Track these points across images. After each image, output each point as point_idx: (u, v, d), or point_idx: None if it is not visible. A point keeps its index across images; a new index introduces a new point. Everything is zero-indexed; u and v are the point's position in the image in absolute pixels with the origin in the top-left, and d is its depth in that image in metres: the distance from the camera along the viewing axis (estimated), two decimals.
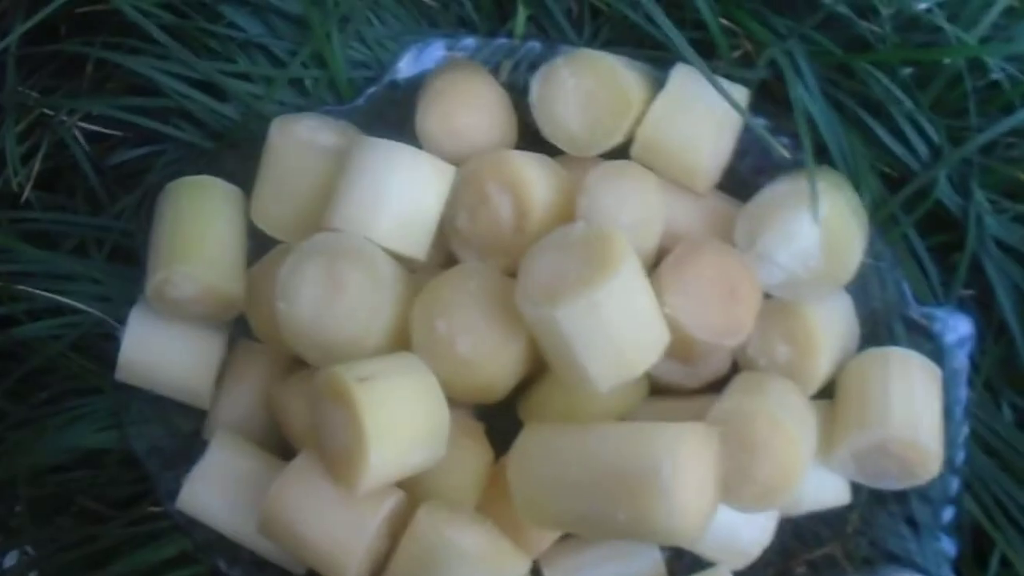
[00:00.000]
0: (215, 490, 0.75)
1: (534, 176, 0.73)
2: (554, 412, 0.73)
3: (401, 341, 0.71)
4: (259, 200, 0.79)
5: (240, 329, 0.78)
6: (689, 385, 0.75)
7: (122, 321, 0.79)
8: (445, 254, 0.77)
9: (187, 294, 0.76)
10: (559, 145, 0.77)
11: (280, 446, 0.76)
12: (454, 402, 0.69)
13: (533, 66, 0.78)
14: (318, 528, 0.68)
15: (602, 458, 0.65)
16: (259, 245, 0.76)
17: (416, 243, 0.73)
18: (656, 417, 0.73)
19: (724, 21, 0.80)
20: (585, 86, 0.76)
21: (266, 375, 0.80)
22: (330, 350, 0.70)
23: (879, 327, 0.77)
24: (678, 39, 0.74)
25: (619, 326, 0.66)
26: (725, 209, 0.77)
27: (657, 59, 0.80)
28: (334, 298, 0.70)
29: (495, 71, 0.79)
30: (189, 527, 0.77)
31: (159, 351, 0.79)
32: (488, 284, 0.70)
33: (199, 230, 0.77)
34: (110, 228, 0.84)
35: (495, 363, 0.69)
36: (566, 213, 0.74)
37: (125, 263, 0.83)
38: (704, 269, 0.72)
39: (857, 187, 0.76)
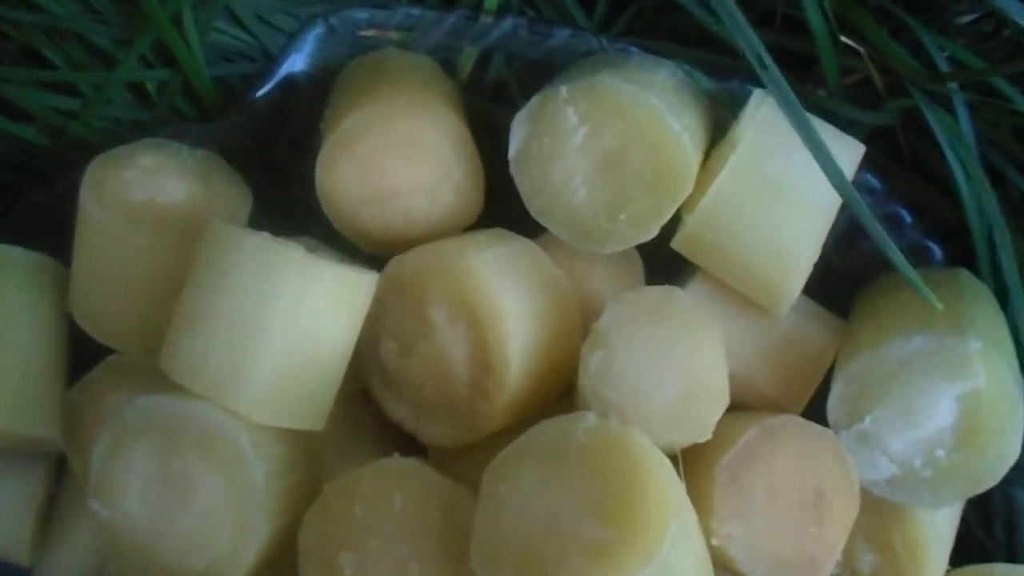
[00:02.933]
0: None
1: (511, 306, 0.41)
2: None
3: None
4: (78, 285, 0.47)
5: None
6: None
7: None
8: (360, 392, 0.46)
9: None
10: (557, 232, 0.44)
11: None
12: None
13: (512, 61, 0.50)
14: None
15: None
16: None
17: (309, 410, 0.42)
18: None
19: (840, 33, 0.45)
20: (605, 140, 0.42)
21: None
22: None
23: None
24: (755, 47, 0.40)
25: None
26: (809, 337, 0.46)
27: (705, 63, 0.46)
28: (176, 507, 0.40)
29: (449, 68, 0.48)
30: None
31: None
32: (424, 500, 0.40)
33: None
34: None
35: None
36: (559, 363, 0.43)
37: None
38: (779, 469, 0.42)
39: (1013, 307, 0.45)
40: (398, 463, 0.41)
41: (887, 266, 0.47)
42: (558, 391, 0.44)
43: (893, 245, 0.42)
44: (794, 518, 0.42)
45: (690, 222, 0.43)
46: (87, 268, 0.46)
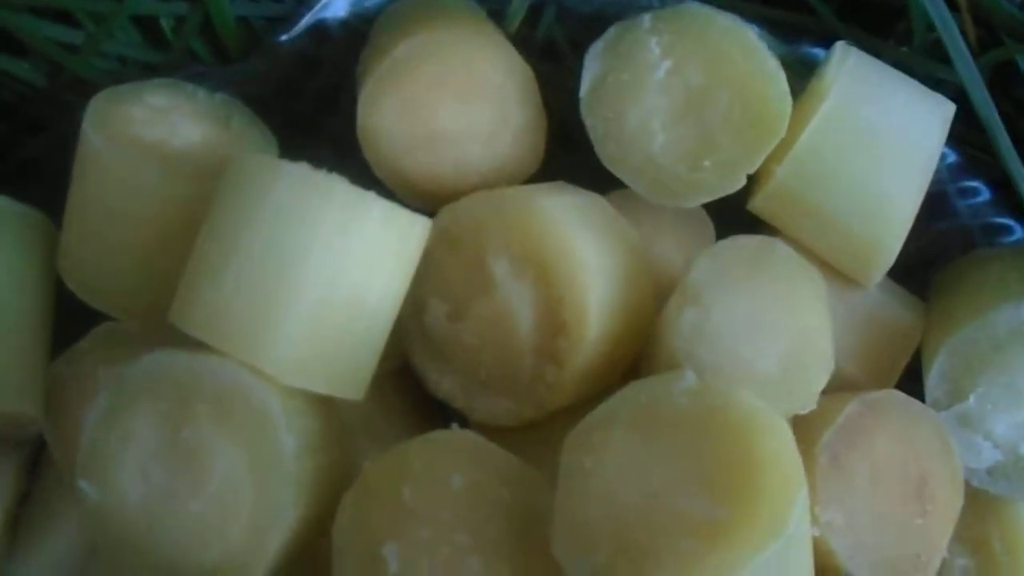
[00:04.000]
0: None
1: (588, 257, 0.35)
2: None
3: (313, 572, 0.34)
4: (70, 241, 0.40)
5: None
6: None
7: None
8: (400, 364, 0.39)
9: None
10: (630, 183, 0.38)
11: None
12: None
13: (564, 16, 0.44)
14: None
15: None
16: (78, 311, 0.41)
17: (348, 375, 0.35)
18: None
19: None
20: (690, 77, 0.37)
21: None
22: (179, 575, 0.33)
23: None
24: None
25: None
26: (895, 314, 0.41)
27: (771, 22, 0.41)
28: (185, 485, 0.33)
29: (499, 16, 0.43)
30: None
31: None
32: (488, 481, 0.33)
33: None
34: None
35: None
36: (634, 329, 0.37)
37: None
38: (881, 450, 0.36)
39: None
40: (454, 435, 0.33)
41: (963, 247, 0.43)
42: (626, 366, 0.38)
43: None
44: (897, 508, 0.36)
45: (779, 174, 0.37)
46: (84, 216, 0.39)
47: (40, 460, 0.45)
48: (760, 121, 0.36)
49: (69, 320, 0.42)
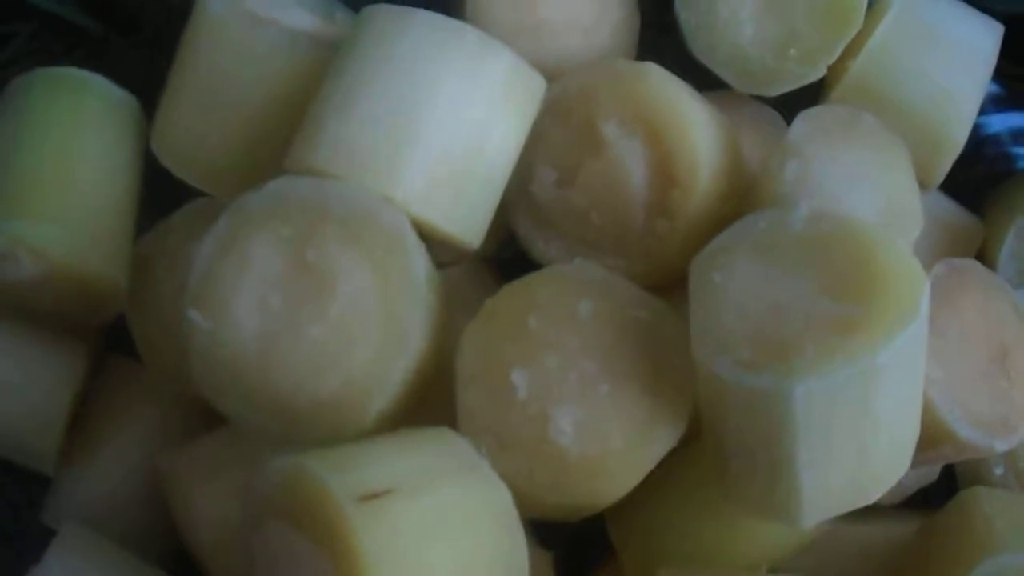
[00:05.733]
0: None
1: (696, 115, 0.36)
2: (682, 546, 0.35)
3: (435, 400, 0.32)
4: (169, 118, 0.39)
5: (116, 343, 0.43)
6: (882, 500, 0.39)
7: None
8: (501, 243, 0.39)
9: (23, 275, 0.37)
10: (718, 71, 0.39)
11: (169, 548, 0.41)
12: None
13: None
14: None
15: None
16: (163, 196, 0.40)
17: (468, 217, 0.34)
18: (835, 550, 0.38)
19: None
20: None
21: (154, 428, 0.41)
22: (291, 411, 0.31)
23: None
24: None
25: (878, 420, 0.29)
26: (956, 221, 0.42)
27: None
28: (306, 310, 0.31)
29: None
30: None
31: None
32: (616, 307, 0.32)
33: (55, 163, 0.38)
34: None
35: (622, 460, 0.31)
36: (734, 189, 0.37)
37: None
38: (967, 311, 0.36)
39: None
40: (580, 266, 0.33)
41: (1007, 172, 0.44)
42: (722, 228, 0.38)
43: None
44: (985, 369, 0.36)
45: (855, 68, 0.39)
46: (191, 84, 0.38)
47: (105, 365, 0.43)
48: (840, 13, 0.38)
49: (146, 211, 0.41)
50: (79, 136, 0.38)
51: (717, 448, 0.32)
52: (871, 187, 0.35)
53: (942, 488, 0.42)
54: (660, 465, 0.34)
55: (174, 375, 0.39)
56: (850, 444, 0.30)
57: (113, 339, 0.43)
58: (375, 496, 0.27)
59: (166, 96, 0.39)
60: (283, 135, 0.36)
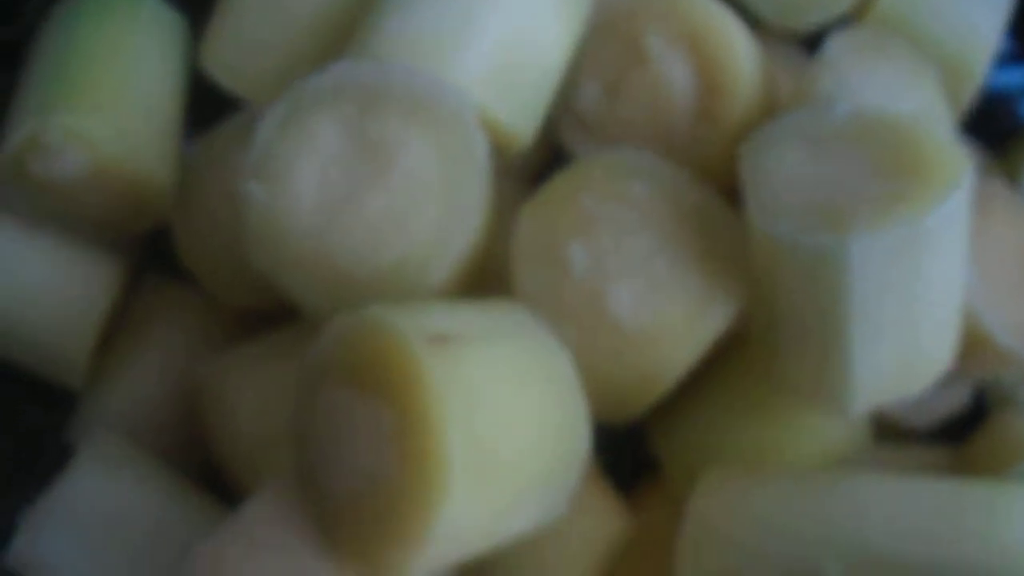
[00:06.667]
0: (81, 538, 0.34)
1: (736, 27, 0.36)
2: (727, 451, 0.35)
3: (493, 277, 0.32)
4: (221, 29, 0.39)
5: (150, 260, 0.42)
6: (914, 424, 0.39)
7: None
8: (546, 151, 0.39)
9: (72, 172, 0.36)
10: (752, 4, 0.40)
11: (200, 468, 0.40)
12: None
13: None
14: None
15: (906, 532, 0.28)
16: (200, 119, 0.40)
17: (520, 111, 0.34)
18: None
19: None
20: None
21: (190, 343, 0.40)
22: (351, 283, 0.31)
23: None
24: None
25: (928, 291, 0.30)
26: (979, 154, 0.43)
27: None
28: (367, 183, 0.31)
29: None
30: None
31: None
32: (667, 188, 0.32)
33: (107, 62, 0.38)
34: None
35: (679, 333, 0.31)
36: (771, 99, 0.37)
37: None
38: (997, 225, 0.37)
39: None
40: (632, 153, 0.33)
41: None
42: None
43: None
44: (1019, 282, 0.36)
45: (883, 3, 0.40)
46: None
47: (140, 284, 0.42)
48: None
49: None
50: (130, 40, 0.38)
51: (769, 332, 0.32)
52: (906, 98, 0.36)
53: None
54: (703, 370, 0.34)
55: (216, 281, 0.39)
56: (902, 315, 0.30)
57: (148, 260, 0.42)
58: (444, 339, 0.26)
59: (219, 7, 0.39)
60: (336, 44, 0.36)
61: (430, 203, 0.31)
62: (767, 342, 0.32)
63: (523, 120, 0.34)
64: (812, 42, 0.41)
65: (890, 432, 0.40)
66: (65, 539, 0.35)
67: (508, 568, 0.32)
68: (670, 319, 0.31)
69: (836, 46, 0.37)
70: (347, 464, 0.28)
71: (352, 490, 0.28)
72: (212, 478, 0.38)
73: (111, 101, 0.36)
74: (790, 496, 0.31)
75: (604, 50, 0.37)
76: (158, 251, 0.42)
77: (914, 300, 0.30)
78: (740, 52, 0.36)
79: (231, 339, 0.39)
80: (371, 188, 0.31)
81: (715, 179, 0.35)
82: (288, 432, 0.31)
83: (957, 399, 0.41)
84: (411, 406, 0.26)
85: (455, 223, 0.31)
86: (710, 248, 0.31)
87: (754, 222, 0.30)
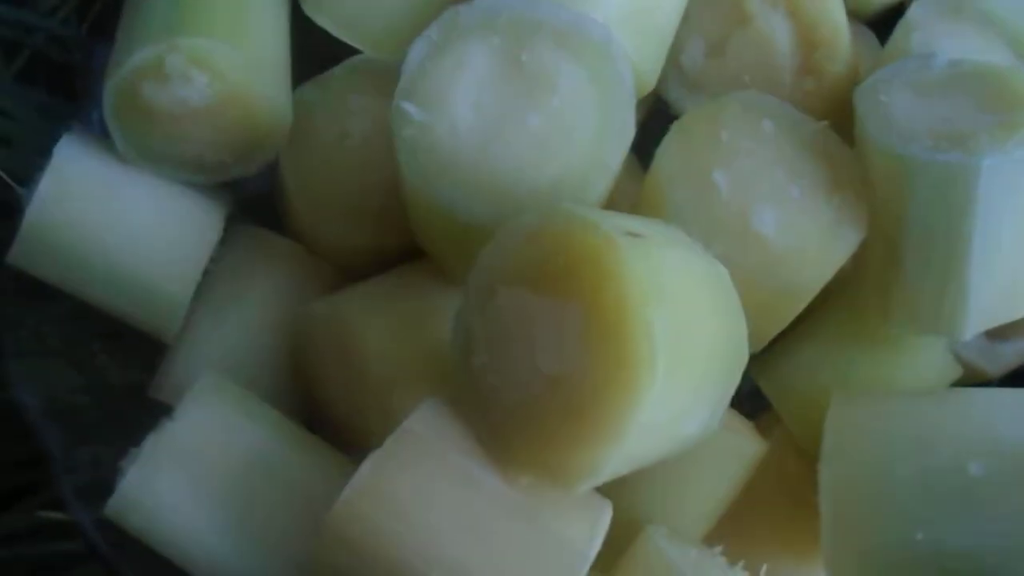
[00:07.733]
0: (189, 476, 0.32)
1: None
2: (838, 383, 0.36)
3: (645, 197, 0.33)
4: None
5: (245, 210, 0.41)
6: (988, 371, 0.41)
7: (28, 182, 0.36)
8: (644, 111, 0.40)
9: (193, 99, 0.35)
10: None
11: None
12: None
13: None
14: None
15: None
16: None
17: (650, 54, 0.36)
18: None
19: None
20: None
21: (289, 292, 0.38)
22: (510, 199, 0.31)
23: None
24: None
25: None
26: None
27: None
28: (524, 103, 0.31)
29: None
30: (114, 557, 0.32)
31: (96, 223, 0.36)
32: (792, 126, 0.34)
33: None
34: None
35: (818, 252, 0.32)
36: (859, 61, 0.40)
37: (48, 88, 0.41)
38: None
39: None
40: (756, 95, 0.34)
41: None
42: None
43: None
44: None
45: None
46: None
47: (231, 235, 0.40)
48: None
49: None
50: None
51: (887, 263, 0.33)
52: (988, 56, 0.39)
53: None
54: (808, 311, 0.35)
55: (321, 225, 0.38)
56: (1019, 235, 0.32)
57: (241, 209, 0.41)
58: (638, 235, 0.27)
59: None
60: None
61: (588, 123, 0.31)
62: (884, 274, 0.34)
63: (650, 63, 0.36)
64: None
65: (965, 379, 0.42)
66: (173, 478, 0.32)
67: (655, 484, 0.32)
68: (809, 240, 0.32)
69: (919, 10, 0.40)
70: (521, 369, 0.27)
71: (527, 395, 0.27)
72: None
73: (236, 31, 0.35)
74: (921, 410, 0.32)
75: (708, 11, 0.39)
76: (247, 204, 0.41)
77: None
78: (836, 11, 0.38)
79: (328, 286, 0.39)
80: (530, 108, 0.31)
81: None
82: (428, 359, 0.31)
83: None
84: (607, 300, 0.26)
85: (610, 142, 0.31)
86: (834, 180, 0.33)
87: (884, 148, 0.32)
